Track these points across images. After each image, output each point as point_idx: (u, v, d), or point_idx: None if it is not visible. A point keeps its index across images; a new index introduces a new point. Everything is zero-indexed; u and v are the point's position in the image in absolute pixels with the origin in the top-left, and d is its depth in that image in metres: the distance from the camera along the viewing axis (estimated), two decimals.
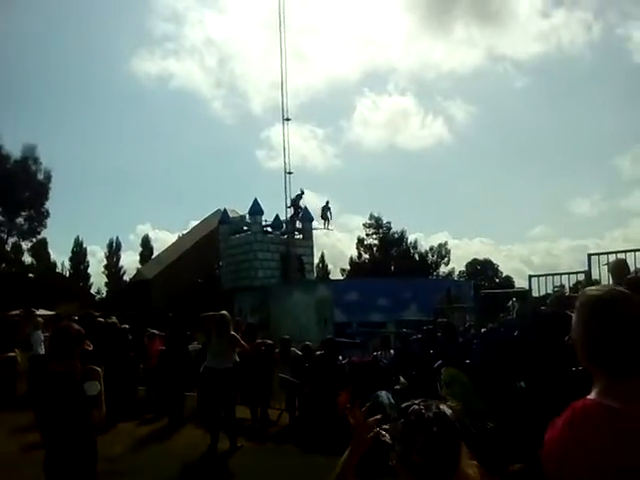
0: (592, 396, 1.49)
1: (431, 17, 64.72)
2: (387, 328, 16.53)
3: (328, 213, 28.67)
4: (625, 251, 6.76)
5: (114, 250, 47.48)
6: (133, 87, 64.15)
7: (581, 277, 7.39)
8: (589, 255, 6.93)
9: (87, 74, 62.20)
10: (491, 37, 64.57)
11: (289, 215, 27.66)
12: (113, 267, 46.95)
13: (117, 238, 47.62)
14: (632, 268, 6.77)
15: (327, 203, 29.05)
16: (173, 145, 63.99)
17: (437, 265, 50.29)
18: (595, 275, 6.87)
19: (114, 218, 60.64)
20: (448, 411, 1.71)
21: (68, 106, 61.78)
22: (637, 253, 6.65)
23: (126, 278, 44.75)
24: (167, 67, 66.76)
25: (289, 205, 27.53)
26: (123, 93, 65.89)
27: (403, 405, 1.78)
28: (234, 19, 65.45)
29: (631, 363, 1.48)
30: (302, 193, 27.91)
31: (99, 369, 3.77)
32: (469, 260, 53.22)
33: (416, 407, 1.70)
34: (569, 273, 7.61)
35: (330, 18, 65.87)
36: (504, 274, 52.52)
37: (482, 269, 52.73)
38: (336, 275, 46.85)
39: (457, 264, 51.82)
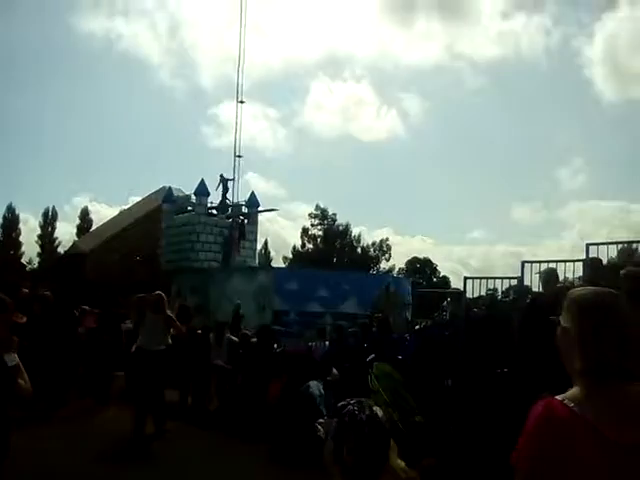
0: (560, 397, 1.49)
1: (395, 7, 65.01)
2: (324, 319, 16.68)
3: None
4: (557, 261, 7.05)
5: (49, 220, 45.65)
6: (76, 46, 60.87)
7: (514, 282, 7.67)
8: (523, 262, 7.19)
9: (26, 29, 58.79)
10: (452, 33, 65.13)
11: (221, 193, 27.09)
12: (47, 237, 45.17)
13: (53, 207, 45.81)
14: (561, 277, 7.12)
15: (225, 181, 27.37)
16: (116, 113, 61.40)
17: (378, 260, 51.04)
18: (527, 282, 7.14)
19: (49, 187, 58.10)
20: (380, 413, 1.82)
21: (6, 63, 58.36)
22: (567, 263, 6.96)
23: (60, 250, 43.18)
24: (114, 28, 63.87)
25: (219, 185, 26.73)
26: (65, 51, 62.61)
27: (338, 404, 1.87)
28: None
29: (616, 369, 1.46)
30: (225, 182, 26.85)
31: (15, 339, 3.61)
32: (409, 258, 54.29)
33: (350, 407, 1.81)
34: (503, 278, 7.87)
35: None
36: (442, 274, 53.89)
37: (421, 267, 53.85)
38: (278, 263, 46.84)
39: (398, 261, 52.74)
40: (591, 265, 6.47)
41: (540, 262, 7.02)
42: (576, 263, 6.90)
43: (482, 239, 71.94)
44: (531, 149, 63.84)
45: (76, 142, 58.81)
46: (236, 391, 8.92)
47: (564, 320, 1.57)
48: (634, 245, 7.09)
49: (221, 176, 27.13)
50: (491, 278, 7.75)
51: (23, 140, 60.78)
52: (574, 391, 1.48)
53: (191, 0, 57.10)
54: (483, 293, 8.09)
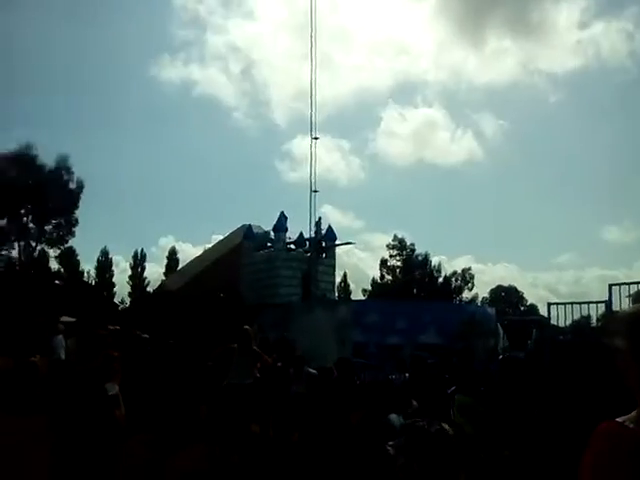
0: (621, 418, 1.46)
1: (464, 28, 64.74)
2: (404, 351, 16.39)
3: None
4: None
5: (139, 261, 48.15)
6: (156, 95, 65.20)
7: (602, 307, 7.28)
8: (610, 285, 6.82)
9: (112, 82, 63.30)
10: (526, 49, 63.81)
11: (313, 235, 27.73)
12: (137, 278, 47.57)
13: (142, 250, 48.32)
14: None
15: (319, 219, 28.09)
16: (196, 155, 64.70)
17: (460, 290, 49.76)
18: (616, 306, 6.75)
19: (137, 230, 61.48)
20: (449, 429, 1.81)
21: (97, 116, 62.98)
22: None
23: (150, 289, 45.29)
24: (190, 74, 67.40)
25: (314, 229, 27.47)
26: (147, 101, 67.01)
27: (406, 422, 1.90)
28: (259, 24, 66.21)
29: None
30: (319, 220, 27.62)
31: (117, 370, 3.86)
32: (493, 286, 52.58)
33: (420, 424, 1.83)
34: (589, 302, 7.48)
35: (359, 26, 66.24)
36: (529, 302, 51.75)
37: (506, 296, 52.03)
38: (358, 295, 46.75)
39: (481, 289, 51.26)
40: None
41: (629, 284, 6.64)
42: None
43: (570, 263, 68.79)
44: (619, 164, 60.62)
45: (161, 185, 62.40)
46: (316, 423, 8.91)
47: (618, 341, 1.53)
48: None
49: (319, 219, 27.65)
50: (577, 303, 7.39)
51: (108, 186, 64.86)
52: (635, 412, 1.43)
53: (261, 40, 59.96)
54: (574, 319, 7.72)
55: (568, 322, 7.63)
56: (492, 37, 70.91)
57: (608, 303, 6.88)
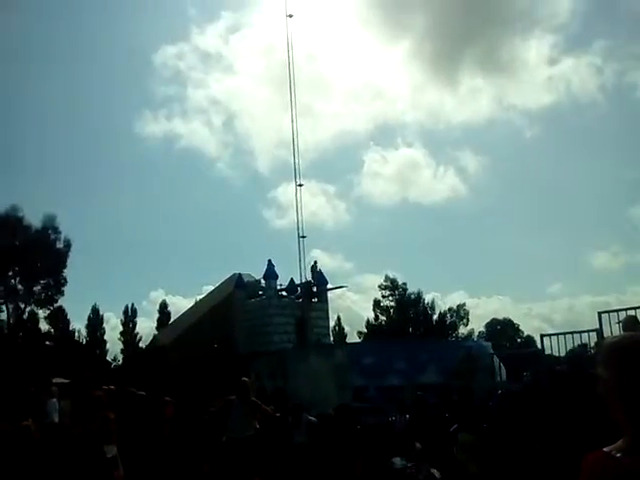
0: (608, 448, 1.48)
1: (438, 69, 66.64)
2: (404, 392, 16.24)
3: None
4: (636, 307, 6.74)
5: (129, 317, 47.65)
6: (140, 150, 65.52)
7: (594, 335, 7.35)
8: (599, 313, 6.92)
9: (95, 140, 63.22)
10: (499, 86, 65.81)
11: (304, 280, 27.77)
12: (129, 334, 46.98)
13: (132, 305, 47.88)
14: None
15: (315, 263, 28.58)
16: (182, 208, 64.85)
17: (456, 326, 49.61)
18: (607, 333, 6.83)
19: (127, 285, 61.06)
20: (437, 474, 1.85)
21: (81, 174, 63.16)
22: None
23: (142, 345, 44.70)
24: (172, 128, 68.38)
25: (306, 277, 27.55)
26: (131, 157, 67.10)
27: (396, 467, 1.91)
28: (239, 77, 67.72)
29: None
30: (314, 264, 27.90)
31: (114, 431, 3.86)
32: (488, 320, 52.51)
33: (408, 470, 1.86)
34: (580, 332, 7.56)
35: (335, 73, 67.89)
36: (525, 333, 51.61)
37: (502, 329, 51.92)
38: (353, 338, 46.41)
39: (476, 324, 51.15)
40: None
41: (618, 311, 6.74)
42: None
43: (562, 292, 68.92)
44: (600, 192, 61.67)
45: (149, 239, 62.33)
46: (320, 473, 8.77)
47: (601, 371, 1.57)
48: None
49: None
50: (568, 333, 7.47)
51: (98, 242, 64.73)
52: (621, 441, 1.47)
53: (241, 92, 61.20)
54: (570, 348, 7.78)
55: (563, 352, 7.69)
56: (465, 76, 73.06)
57: (599, 331, 6.96)
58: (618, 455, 1.43)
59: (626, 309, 6.77)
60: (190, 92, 75.16)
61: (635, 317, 6.39)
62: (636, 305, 6.96)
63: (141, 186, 64.75)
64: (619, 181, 60.41)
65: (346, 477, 7.97)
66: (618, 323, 6.54)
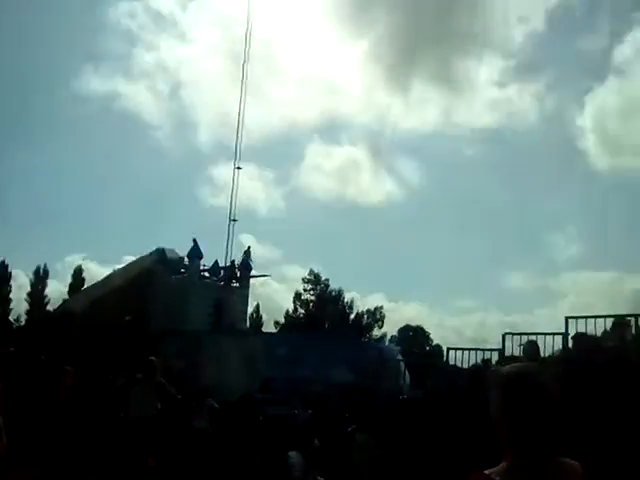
0: (489, 470, 1.55)
1: (392, 74, 67.44)
2: (312, 386, 16.44)
3: (248, 261, 28.15)
4: (537, 333, 7.16)
5: (40, 277, 45.52)
6: (76, 106, 62.82)
7: (495, 354, 7.74)
8: (504, 335, 7.30)
9: (30, 92, 60.60)
10: (448, 100, 67.59)
11: (228, 263, 27.48)
12: (37, 295, 44.88)
13: (45, 265, 45.75)
14: (549, 350, 7.16)
15: (248, 248, 28.65)
16: (113, 171, 62.70)
17: (371, 327, 50.69)
18: (508, 353, 7.22)
19: (42, 245, 58.23)
20: None
21: (12, 127, 59.80)
22: (547, 337, 7.06)
23: (50, 308, 42.83)
24: (114, 88, 65.65)
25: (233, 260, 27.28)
26: (66, 110, 64.21)
27: (289, 462, 1.95)
28: (191, 46, 65.66)
29: (535, 444, 1.49)
30: (248, 249, 27.72)
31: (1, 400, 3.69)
32: (402, 325, 53.97)
33: (296, 474, 1.89)
34: (484, 350, 7.95)
35: (291, 59, 67.40)
36: (434, 342, 53.40)
37: (414, 335, 53.49)
38: (270, 327, 46.45)
39: (390, 327, 52.42)
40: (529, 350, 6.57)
41: (521, 334, 7.14)
42: (556, 336, 7.01)
43: (476, 307, 71.97)
44: (526, 216, 64.69)
45: (71, 200, 59.63)
46: (218, 457, 8.75)
47: (492, 396, 1.66)
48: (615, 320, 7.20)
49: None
50: (473, 349, 7.84)
51: (17, 197, 61.39)
52: (501, 465, 1.57)
53: (192, 62, 59.67)
54: (472, 363, 8.13)
55: (466, 365, 8.03)
56: (418, 85, 74.72)
57: (501, 351, 7.33)
58: (497, 479, 1.52)
59: (529, 333, 7.17)
60: (138, 52, 72.52)
61: (535, 342, 6.79)
62: (538, 331, 7.38)
63: (73, 144, 61.93)
64: (543, 207, 63.60)
65: (244, 466, 8.00)
66: (520, 346, 6.92)
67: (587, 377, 5.31)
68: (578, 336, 6.74)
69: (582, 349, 6.41)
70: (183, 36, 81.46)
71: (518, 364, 1.77)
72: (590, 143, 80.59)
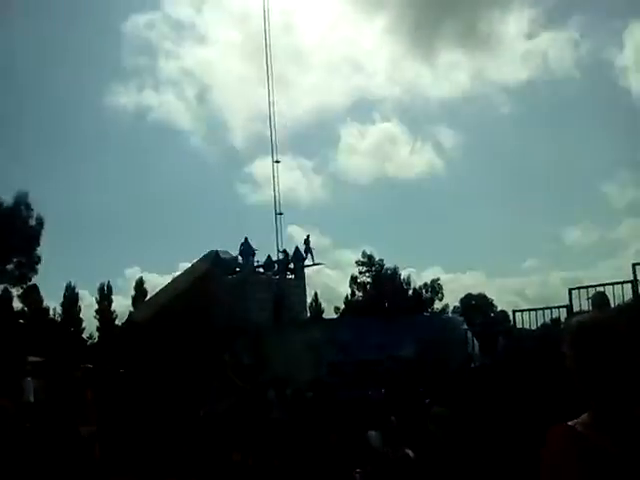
0: (572, 422, 1.53)
1: (416, 43, 66.34)
2: (381, 366, 16.49)
3: (310, 249, 28.31)
4: (604, 284, 6.93)
5: (105, 294, 47.23)
6: (111, 123, 64.36)
7: (564, 311, 7.54)
8: (570, 290, 7.10)
9: (65, 113, 61.65)
10: (476, 61, 65.73)
11: (281, 257, 27.75)
12: (104, 311, 46.62)
13: (108, 282, 47.40)
14: (619, 300, 6.91)
15: (307, 237, 28.81)
16: (155, 182, 63.97)
17: (431, 301, 50.30)
18: (577, 308, 7.01)
19: (101, 263, 60.22)
20: (411, 454, 1.91)
21: (53, 149, 61.68)
22: (616, 286, 6.82)
23: (118, 322, 44.39)
24: (143, 101, 66.65)
25: (281, 250, 27.54)
26: (102, 130, 65.38)
27: (372, 442, 1.98)
28: (212, 48, 65.82)
29: (615, 393, 1.46)
30: (307, 238, 27.84)
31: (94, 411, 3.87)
32: (463, 295, 53.32)
33: (384, 450, 1.92)
34: (551, 308, 7.76)
35: (312, 45, 66.92)
36: (499, 308, 52.50)
37: (476, 304, 52.76)
38: (330, 314, 46.75)
39: (451, 299, 51.91)
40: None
41: (587, 287, 6.91)
42: (625, 285, 6.76)
43: (535, 268, 70.05)
44: (573, 168, 62.42)
45: (119, 215, 61.35)
46: (297, 446, 8.92)
47: (565, 349, 1.63)
48: None
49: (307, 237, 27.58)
50: (539, 309, 7.65)
51: (74, 220, 63.50)
52: (585, 415, 1.54)
53: (215, 63, 60.07)
54: (540, 324, 7.96)
55: (534, 327, 7.86)
56: (443, 51, 72.77)
57: (569, 307, 7.13)
58: (581, 429, 1.50)
59: (595, 285, 6.94)
60: (161, 63, 73.69)
61: (603, 293, 6.57)
62: (605, 282, 7.14)
63: (113, 161, 63.58)
64: (593, 157, 61.17)
65: (322, 451, 8.13)
66: (588, 299, 6.71)
67: None
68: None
69: None
70: (202, 39, 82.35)
71: (591, 313, 1.72)
72: (634, 81, 76.50)
